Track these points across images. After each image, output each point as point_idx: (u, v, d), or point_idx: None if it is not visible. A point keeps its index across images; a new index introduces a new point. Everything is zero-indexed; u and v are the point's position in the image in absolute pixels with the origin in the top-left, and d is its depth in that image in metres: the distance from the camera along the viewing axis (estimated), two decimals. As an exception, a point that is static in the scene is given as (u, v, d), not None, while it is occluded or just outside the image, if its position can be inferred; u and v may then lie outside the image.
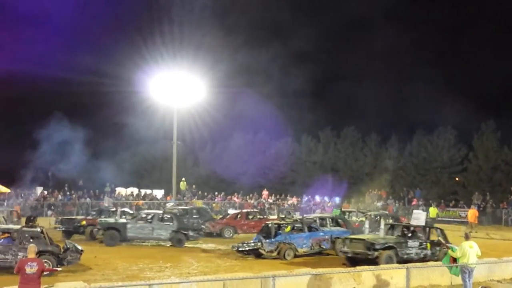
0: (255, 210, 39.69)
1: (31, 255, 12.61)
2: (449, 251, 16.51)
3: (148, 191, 47.89)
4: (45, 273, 12.86)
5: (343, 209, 37.84)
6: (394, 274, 16.96)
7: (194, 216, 33.80)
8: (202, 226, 31.07)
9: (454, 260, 16.16)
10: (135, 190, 47.49)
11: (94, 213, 32.95)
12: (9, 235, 19.05)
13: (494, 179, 52.53)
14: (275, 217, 34.59)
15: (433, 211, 40.80)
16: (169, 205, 39.66)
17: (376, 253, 20.56)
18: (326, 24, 70.29)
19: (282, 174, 62.06)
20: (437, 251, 21.73)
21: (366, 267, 18.43)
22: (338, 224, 27.61)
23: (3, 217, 28.34)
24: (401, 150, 59.80)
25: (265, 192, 49.32)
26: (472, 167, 54.59)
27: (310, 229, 25.39)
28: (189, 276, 17.66)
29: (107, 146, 49.14)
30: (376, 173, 58.52)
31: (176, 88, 43.91)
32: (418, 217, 24.05)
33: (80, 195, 42.87)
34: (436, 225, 35.47)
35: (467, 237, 16.45)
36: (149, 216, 28.55)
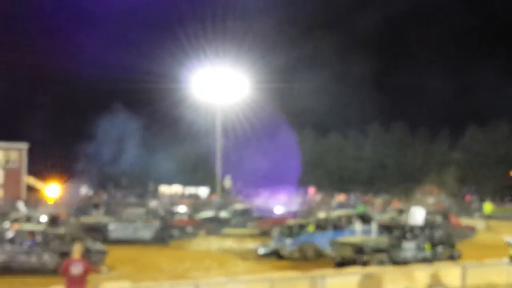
0: (305, 207, 38.78)
1: (76, 255, 12.40)
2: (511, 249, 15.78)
3: (192, 189, 47.90)
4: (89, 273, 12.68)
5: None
6: (449, 272, 16.38)
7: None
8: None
9: None
10: (179, 188, 47.57)
11: None
12: (33, 236, 18.68)
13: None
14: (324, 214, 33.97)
15: (488, 207, 39.49)
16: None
17: (365, 257, 18.82)
18: (375, 18, 69.36)
19: (329, 170, 61.44)
20: (438, 252, 19.88)
21: (419, 265, 17.87)
22: (367, 222, 25.65)
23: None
24: (453, 145, 58.48)
25: (311, 189, 48.74)
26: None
27: (336, 228, 23.69)
28: (237, 275, 17.30)
29: (151, 144, 49.48)
30: (427, 169, 57.44)
31: (219, 84, 43.72)
32: (416, 215, 21.75)
33: (124, 194, 43.08)
34: (491, 221, 34.58)
35: None
36: (132, 216, 27.63)
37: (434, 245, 20.07)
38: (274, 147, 62.52)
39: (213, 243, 27.20)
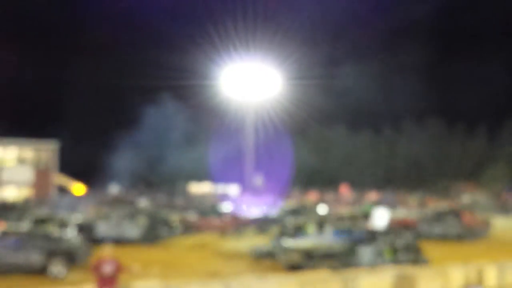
0: (349, 205, 38.17)
1: (107, 255, 12.48)
2: None
3: (222, 187, 47.95)
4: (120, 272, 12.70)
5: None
6: (485, 271, 16.09)
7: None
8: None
9: None
10: (209, 186, 47.67)
11: None
12: (19, 236, 18.64)
13: None
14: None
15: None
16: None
17: (314, 263, 17.53)
18: (407, 15, 68.41)
19: (362, 167, 61.01)
20: (401, 258, 18.54)
21: (453, 264, 17.57)
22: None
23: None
24: (490, 140, 57.55)
25: (344, 187, 48.41)
26: None
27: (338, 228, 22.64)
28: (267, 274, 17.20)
29: (180, 142, 49.67)
30: (463, 165, 56.66)
31: (251, 81, 43.65)
32: (379, 218, 21.36)
33: (154, 192, 43.32)
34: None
35: None
36: (120, 215, 27.43)
37: (395, 250, 18.79)
38: (306, 144, 62.35)
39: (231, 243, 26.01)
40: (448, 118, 59.74)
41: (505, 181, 49.82)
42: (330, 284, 14.44)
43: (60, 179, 44.84)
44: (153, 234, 26.35)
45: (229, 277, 15.51)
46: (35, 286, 16.02)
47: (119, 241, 25.43)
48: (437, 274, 15.55)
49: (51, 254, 18.01)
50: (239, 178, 47.94)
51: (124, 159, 49.59)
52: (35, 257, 17.90)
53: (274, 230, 25.53)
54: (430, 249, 25.44)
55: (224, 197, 43.44)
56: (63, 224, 23.99)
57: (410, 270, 16.02)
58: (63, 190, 43.76)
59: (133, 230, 26.39)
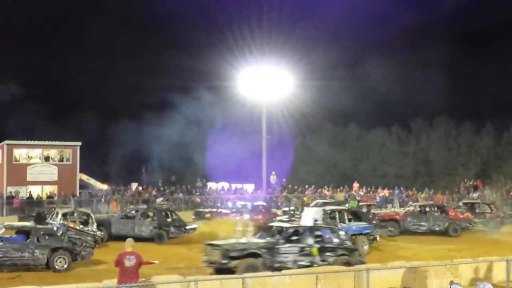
0: (375, 203, 38.42)
1: (129, 248, 12.95)
2: None
3: (239, 185, 48.33)
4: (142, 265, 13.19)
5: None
6: (494, 266, 16.43)
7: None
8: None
9: None
10: (225, 185, 48.06)
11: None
12: (24, 233, 19.39)
13: None
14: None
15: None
16: (159, 200, 38.75)
17: (233, 262, 16.97)
18: (419, 18, 68.55)
19: (373, 165, 61.28)
20: (330, 258, 17.93)
21: (463, 259, 17.91)
22: (359, 218, 25.36)
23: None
24: (498, 139, 57.56)
25: (355, 185, 48.65)
26: None
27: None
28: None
29: (197, 141, 50.15)
30: (471, 163, 56.76)
31: (264, 82, 44.03)
32: (309, 217, 20.27)
33: (173, 191, 43.79)
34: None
35: None
36: (132, 212, 28.11)
37: (324, 249, 18.12)
38: (319, 143, 62.71)
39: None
40: (456, 118, 59.90)
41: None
42: (343, 276, 14.94)
43: (83, 176, 45.62)
44: (163, 232, 26.59)
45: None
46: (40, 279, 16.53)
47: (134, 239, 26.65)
48: (447, 268, 15.95)
49: (54, 250, 18.76)
50: (255, 176, 48.35)
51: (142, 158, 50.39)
52: (40, 253, 18.54)
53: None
54: (413, 244, 26.02)
55: (241, 195, 43.91)
56: (85, 220, 24.62)
57: (421, 263, 16.43)
58: (86, 187, 44.44)
59: (144, 227, 26.86)
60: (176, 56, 59.74)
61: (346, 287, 15.12)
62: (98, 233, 23.86)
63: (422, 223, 29.78)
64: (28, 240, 18.90)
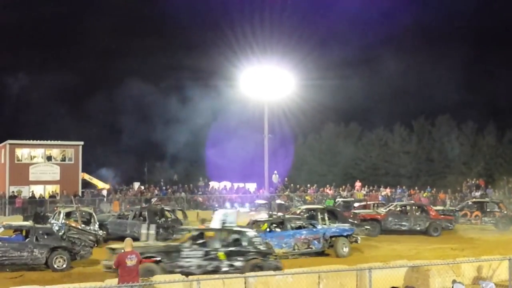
0: (381, 202, 38.40)
1: (128, 248, 12.97)
2: None
3: (241, 185, 48.34)
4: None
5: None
6: (496, 265, 16.40)
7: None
8: None
9: None
10: (228, 184, 48.08)
11: None
12: (23, 232, 19.40)
13: None
14: None
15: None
16: (154, 200, 38.83)
17: None
18: (418, 17, 68.53)
19: (375, 165, 61.29)
20: (240, 261, 16.87)
21: (465, 258, 17.89)
22: (336, 218, 25.10)
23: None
24: (500, 137, 57.53)
25: (358, 184, 48.63)
26: None
27: (295, 226, 22.18)
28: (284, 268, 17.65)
29: (198, 141, 50.20)
30: (474, 162, 56.75)
31: (266, 81, 44.05)
32: (220, 218, 18.87)
33: (175, 190, 43.82)
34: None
35: None
36: (127, 213, 28.11)
37: (233, 253, 17.07)
38: (321, 142, 62.77)
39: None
40: (458, 117, 59.93)
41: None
42: (346, 275, 14.95)
43: (85, 175, 45.74)
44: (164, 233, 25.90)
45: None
46: (42, 279, 16.64)
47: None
48: (449, 267, 15.93)
49: (53, 250, 18.85)
50: (257, 175, 48.39)
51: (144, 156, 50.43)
52: (38, 252, 18.57)
53: None
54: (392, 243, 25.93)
55: (244, 194, 44.00)
56: (87, 220, 24.64)
57: (423, 262, 16.42)
58: (88, 187, 44.56)
59: (135, 228, 26.12)
60: (178, 55, 59.87)
61: (349, 286, 15.14)
62: (100, 232, 23.87)
63: (403, 223, 29.73)
64: (27, 240, 18.95)
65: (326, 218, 24.41)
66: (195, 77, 49.32)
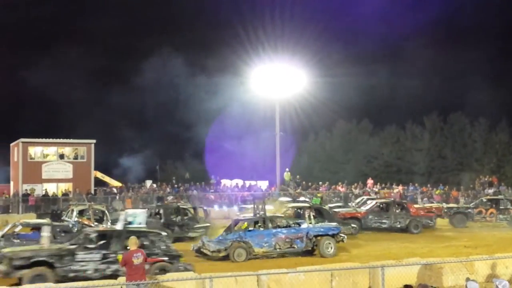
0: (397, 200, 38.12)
1: (134, 246, 13.02)
2: None
3: (253, 182, 48.34)
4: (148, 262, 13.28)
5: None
6: (510, 263, 16.29)
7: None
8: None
9: None
10: (240, 182, 48.10)
11: None
12: (39, 230, 19.14)
13: None
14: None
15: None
16: (170, 198, 38.80)
17: (19, 272, 14.88)
18: (427, 17, 68.17)
19: (387, 162, 61.12)
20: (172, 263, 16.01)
21: (479, 256, 17.79)
22: (323, 217, 24.71)
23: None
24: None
25: (370, 181, 48.50)
26: None
27: (277, 225, 21.67)
28: (297, 266, 17.65)
29: (211, 139, 50.26)
30: (486, 159, 56.47)
31: (278, 79, 43.99)
32: (125, 218, 17.72)
33: (187, 188, 43.92)
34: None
35: None
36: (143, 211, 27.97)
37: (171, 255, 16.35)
38: (332, 139, 62.68)
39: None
40: (471, 114, 59.64)
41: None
42: (358, 273, 14.92)
43: (98, 173, 45.96)
44: (170, 231, 25.64)
45: (259, 269, 15.98)
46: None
47: None
48: (463, 265, 15.84)
49: None
50: (269, 173, 48.40)
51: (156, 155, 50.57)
52: None
53: None
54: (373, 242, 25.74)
55: (255, 192, 43.99)
56: (100, 218, 24.75)
57: (436, 260, 16.34)
58: (101, 185, 44.77)
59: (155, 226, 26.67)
60: (189, 54, 59.95)
61: (362, 284, 15.10)
62: None
63: (384, 220, 29.42)
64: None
65: (312, 216, 23.60)
66: (207, 76, 49.29)
